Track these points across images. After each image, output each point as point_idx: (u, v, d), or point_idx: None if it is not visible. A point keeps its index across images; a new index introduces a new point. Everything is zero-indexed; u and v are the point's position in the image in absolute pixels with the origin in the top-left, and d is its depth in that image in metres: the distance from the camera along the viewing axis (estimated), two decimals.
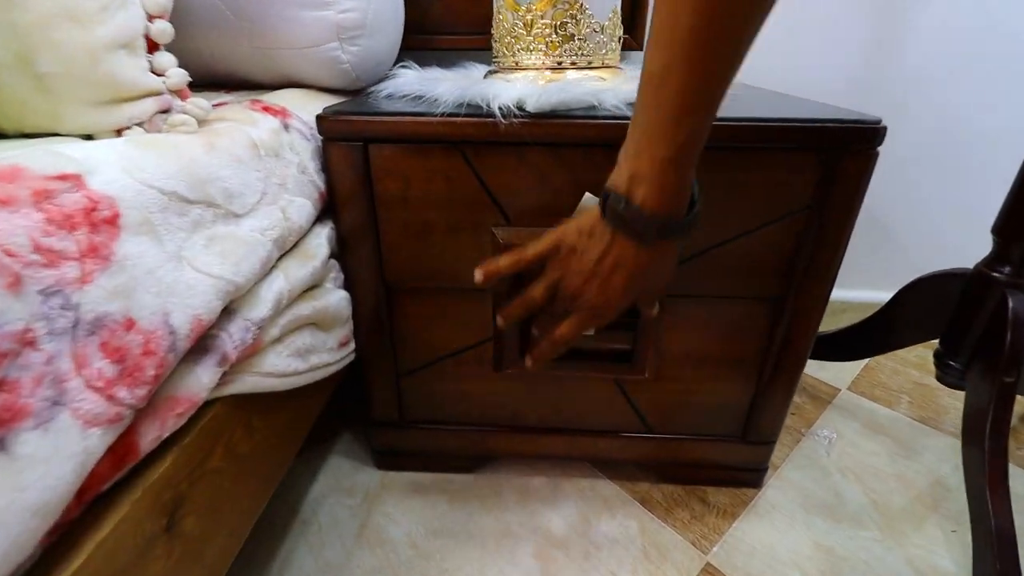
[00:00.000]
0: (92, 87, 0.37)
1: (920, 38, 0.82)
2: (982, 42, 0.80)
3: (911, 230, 0.94)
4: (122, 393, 0.27)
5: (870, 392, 0.88)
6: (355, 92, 0.65)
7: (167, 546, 0.33)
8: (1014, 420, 0.83)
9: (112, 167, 0.31)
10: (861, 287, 0.99)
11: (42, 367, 0.24)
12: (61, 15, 0.35)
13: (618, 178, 0.38)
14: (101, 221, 0.29)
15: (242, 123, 0.44)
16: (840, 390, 0.89)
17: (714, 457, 0.67)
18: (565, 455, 0.69)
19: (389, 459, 0.71)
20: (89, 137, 0.39)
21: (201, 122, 0.42)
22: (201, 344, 0.35)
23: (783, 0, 0.31)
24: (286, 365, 0.44)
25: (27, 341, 0.24)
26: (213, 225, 0.37)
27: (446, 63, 0.68)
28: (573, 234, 0.42)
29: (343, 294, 0.55)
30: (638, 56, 0.80)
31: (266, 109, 0.49)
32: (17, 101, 0.36)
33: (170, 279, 0.32)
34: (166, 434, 0.32)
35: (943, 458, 0.75)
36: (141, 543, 0.31)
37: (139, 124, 0.39)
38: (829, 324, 0.87)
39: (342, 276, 0.56)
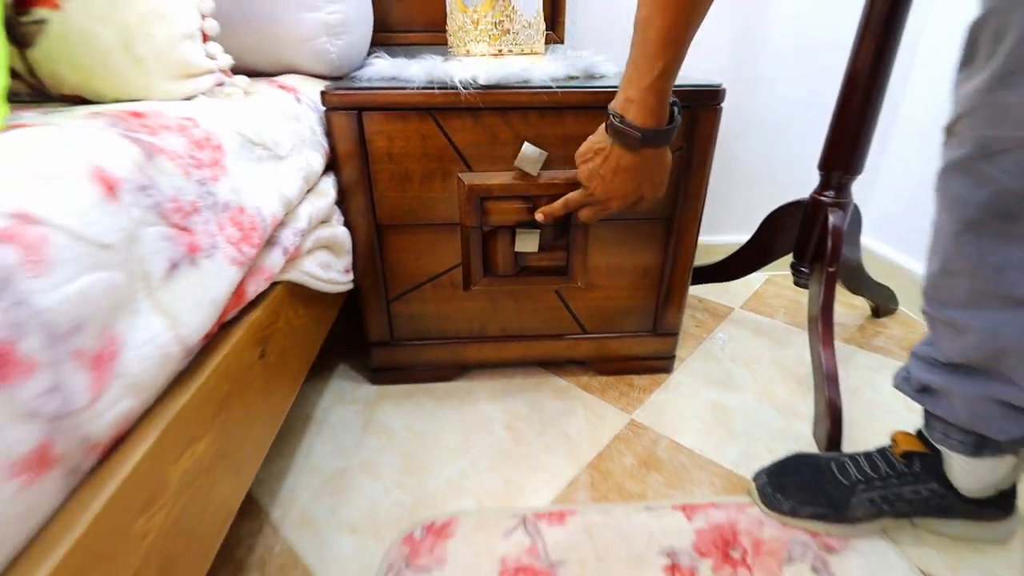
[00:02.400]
0: (172, 66, 0.52)
1: (772, 30, 1.07)
2: (809, 32, 1.06)
3: (765, 178, 1.19)
4: (244, 248, 0.43)
5: (756, 308, 1.13)
6: (338, 78, 0.81)
7: (261, 369, 0.48)
8: (862, 319, 1.10)
9: (208, 116, 0.47)
10: (733, 232, 1.24)
11: (203, 224, 0.40)
12: (153, 14, 0.49)
13: (617, 102, 0.57)
14: (213, 146, 0.44)
15: (271, 96, 0.60)
16: (734, 308, 1.13)
17: (634, 350, 0.87)
18: (523, 358, 0.88)
19: (383, 375, 0.87)
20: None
21: (244, 94, 0.58)
22: (273, 238, 0.51)
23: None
24: (315, 271, 0.60)
25: (195, 208, 0.40)
26: (268, 162, 0.53)
27: (407, 55, 0.85)
28: (588, 151, 0.61)
29: (345, 229, 0.71)
30: (560, 48, 1.00)
31: (281, 87, 0.65)
32: (120, 76, 0.50)
33: (255, 188, 0.48)
34: (259, 290, 0.48)
35: (806, 348, 1.00)
36: (246, 363, 0.46)
37: (203, 93, 0.54)
38: (712, 258, 1.11)
39: (343, 217, 0.72)
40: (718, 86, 0.69)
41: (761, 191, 1.17)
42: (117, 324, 0.31)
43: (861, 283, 1.01)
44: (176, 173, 0.38)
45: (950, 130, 0.47)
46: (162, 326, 0.35)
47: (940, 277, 0.53)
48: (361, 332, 0.83)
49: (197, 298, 0.38)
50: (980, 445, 0.55)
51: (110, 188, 0.32)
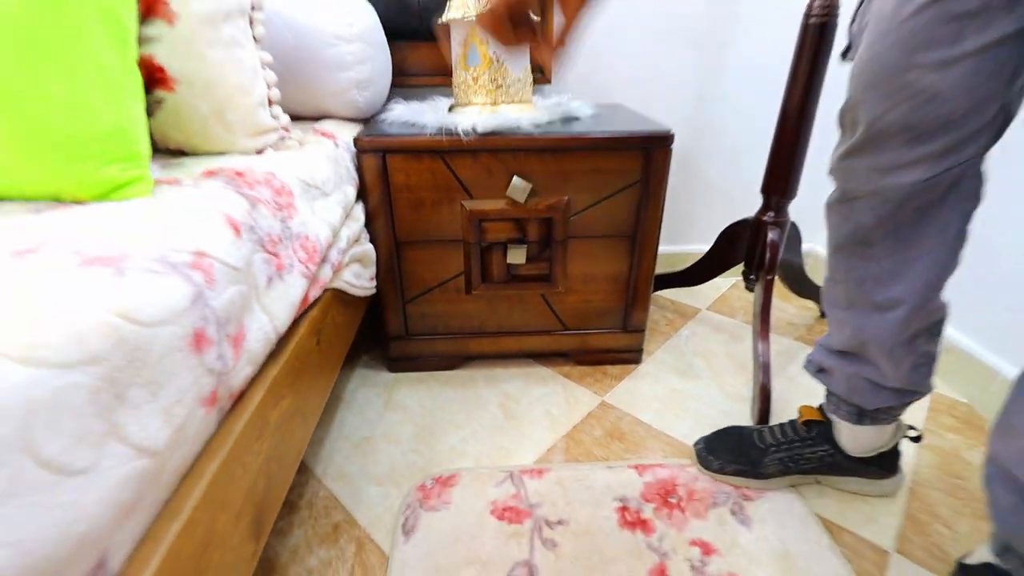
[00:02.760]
0: (250, 127, 0.69)
1: (727, 72, 1.24)
2: (755, 77, 1.23)
3: (724, 198, 1.36)
4: (309, 265, 0.61)
5: (720, 309, 1.30)
6: (365, 120, 0.98)
7: (317, 352, 0.66)
8: (812, 320, 1.26)
9: (281, 168, 0.64)
10: (694, 242, 1.41)
11: (285, 251, 0.58)
12: (237, 89, 0.67)
13: None
14: (287, 193, 0.62)
15: (318, 144, 0.78)
16: (701, 309, 1.30)
17: (607, 344, 1.05)
18: (516, 350, 1.06)
19: (399, 363, 1.05)
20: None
21: (299, 144, 0.76)
22: (325, 256, 0.69)
23: (647, 47, 0.68)
24: (351, 280, 0.78)
25: (280, 239, 0.57)
26: (319, 199, 0.70)
27: (421, 97, 1.03)
28: None
29: (371, 246, 0.89)
30: (548, 89, 1.18)
31: (323, 134, 0.83)
32: (213, 136, 0.68)
33: (313, 220, 0.66)
34: (316, 296, 0.66)
35: None
36: (308, 348, 0.64)
37: (270, 147, 0.72)
38: (679, 266, 1.28)
39: (368, 236, 0.90)
40: (667, 132, 0.87)
41: (722, 209, 1.34)
42: (244, 318, 0.49)
43: (803, 286, 1.18)
44: (268, 216, 0.56)
45: (831, 176, 0.65)
46: (265, 320, 0.52)
47: (828, 284, 0.70)
48: (381, 328, 1.01)
49: (283, 301, 0.56)
50: (860, 414, 0.72)
51: (236, 230, 0.50)
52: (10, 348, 0.28)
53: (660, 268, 1.32)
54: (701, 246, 1.33)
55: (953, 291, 0.63)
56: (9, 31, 0.46)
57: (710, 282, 1.29)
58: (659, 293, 1.36)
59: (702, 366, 1.09)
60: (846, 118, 0.61)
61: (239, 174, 0.58)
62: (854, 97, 0.58)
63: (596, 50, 1.18)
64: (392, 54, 1.05)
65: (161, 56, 0.63)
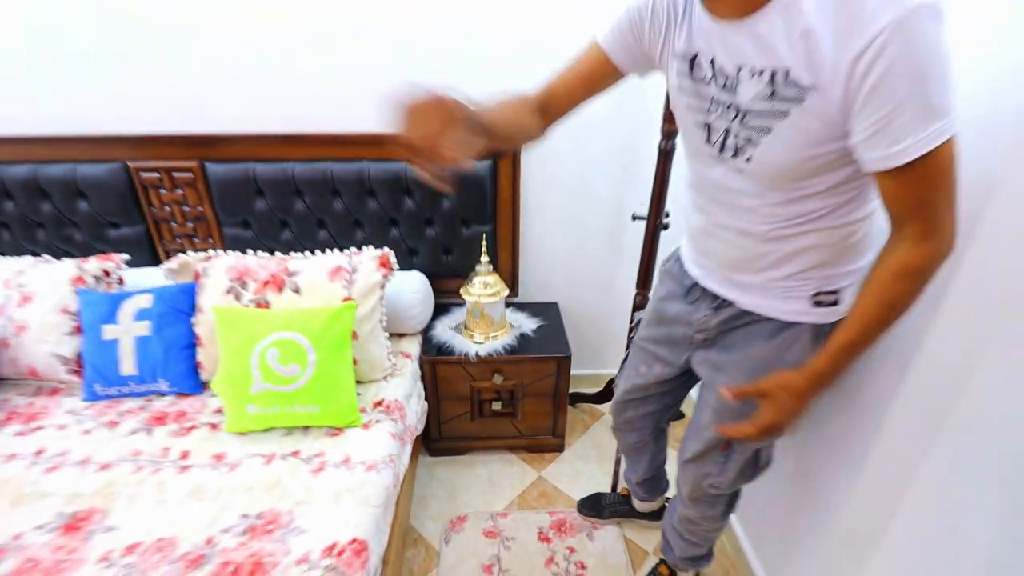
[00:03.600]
0: (381, 370, 1.63)
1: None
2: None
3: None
4: (410, 430, 1.56)
5: None
6: (422, 331, 1.92)
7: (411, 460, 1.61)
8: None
9: (397, 392, 1.59)
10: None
11: (405, 433, 1.53)
12: (379, 354, 1.61)
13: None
14: (399, 407, 1.57)
15: (403, 363, 1.73)
16: (604, 413, 2.25)
17: (544, 442, 2.00)
18: (495, 447, 2.00)
19: (436, 452, 1.99)
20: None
21: (395, 366, 1.71)
22: (407, 418, 1.64)
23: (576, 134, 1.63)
24: (418, 422, 1.73)
25: (403, 431, 1.52)
26: (412, 397, 1.65)
27: (449, 311, 1.97)
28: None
29: (426, 403, 1.83)
30: (517, 301, 2.13)
31: (404, 355, 1.77)
32: (367, 376, 1.62)
33: (409, 411, 1.61)
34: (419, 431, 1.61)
35: None
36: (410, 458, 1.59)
37: (389, 374, 1.66)
38: (596, 387, 2.23)
39: (424, 395, 1.84)
40: (568, 355, 1.82)
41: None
42: (403, 454, 1.44)
43: None
44: (399, 422, 1.51)
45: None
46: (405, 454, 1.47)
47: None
48: (427, 436, 1.95)
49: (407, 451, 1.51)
50: (640, 497, 1.66)
51: (392, 436, 1.44)
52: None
53: (584, 387, 2.26)
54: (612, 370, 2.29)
55: None
56: (329, 342, 1.40)
57: None
58: (581, 404, 2.31)
59: (594, 455, 2.04)
60: (661, 267, 1.56)
61: (387, 406, 1.52)
62: None
63: (538, 258, 2.12)
64: (432, 285, 1.98)
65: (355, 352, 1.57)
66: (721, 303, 1.03)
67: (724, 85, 0.80)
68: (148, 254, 1.90)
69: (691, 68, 0.84)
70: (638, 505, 1.69)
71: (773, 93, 0.73)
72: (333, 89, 1.71)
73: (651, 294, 1.33)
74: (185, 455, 1.36)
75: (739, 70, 0.76)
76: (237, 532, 1.15)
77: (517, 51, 1.66)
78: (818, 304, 0.93)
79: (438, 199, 1.84)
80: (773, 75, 0.72)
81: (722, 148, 0.85)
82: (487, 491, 1.87)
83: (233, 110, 1.73)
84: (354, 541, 1.14)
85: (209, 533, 1.15)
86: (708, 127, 0.85)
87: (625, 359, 1.37)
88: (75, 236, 1.86)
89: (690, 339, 1.12)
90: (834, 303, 0.93)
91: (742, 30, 0.73)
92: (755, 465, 1.16)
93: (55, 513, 1.20)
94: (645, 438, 1.43)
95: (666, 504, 1.66)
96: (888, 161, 0.68)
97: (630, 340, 1.44)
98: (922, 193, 0.70)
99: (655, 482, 1.59)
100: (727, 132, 0.82)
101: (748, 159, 0.81)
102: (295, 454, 1.36)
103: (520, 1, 1.62)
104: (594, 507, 1.75)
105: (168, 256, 1.87)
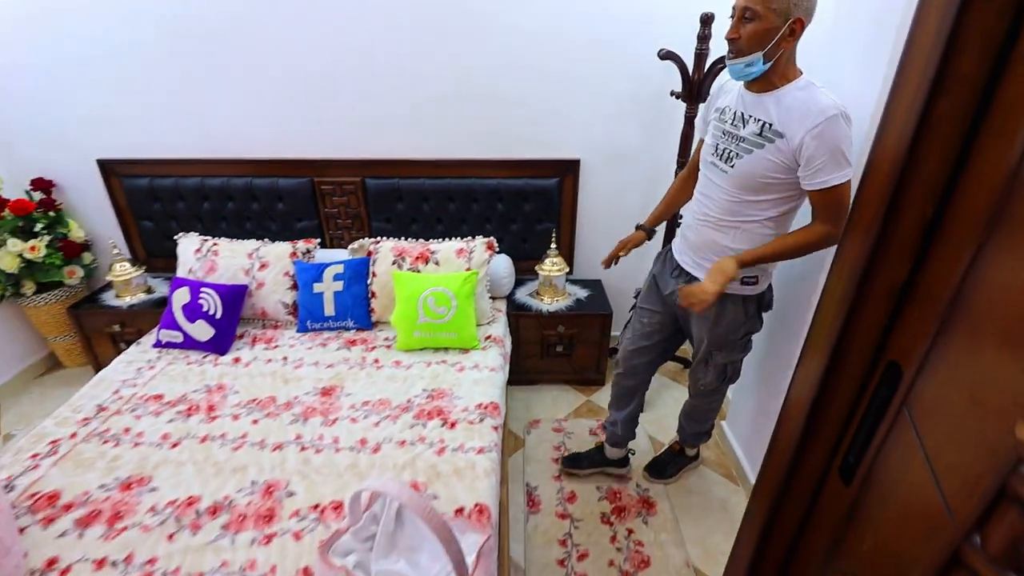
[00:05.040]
0: (486, 316, 2.46)
1: None
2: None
3: None
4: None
5: None
6: (506, 296, 2.74)
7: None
8: (679, 368, 3.03)
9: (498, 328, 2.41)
10: None
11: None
12: (486, 304, 2.44)
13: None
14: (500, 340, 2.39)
15: (502, 315, 2.55)
16: None
17: (590, 377, 2.80)
18: (559, 379, 2.81)
19: (517, 382, 2.81)
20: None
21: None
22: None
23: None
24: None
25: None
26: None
27: (525, 282, 2.79)
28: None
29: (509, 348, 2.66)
30: (574, 285, 2.95)
31: (496, 310, 2.60)
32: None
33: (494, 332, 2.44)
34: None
35: None
36: None
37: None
38: None
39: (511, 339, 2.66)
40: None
41: None
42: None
43: None
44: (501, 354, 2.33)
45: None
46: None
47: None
48: (517, 367, 2.77)
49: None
50: (614, 441, 2.41)
51: (503, 358, 2.26)
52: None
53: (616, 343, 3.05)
54: None
55: None
56: (462, 295, 2.23)
57: None
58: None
59: None
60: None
61: (494, 339, 2.34)
62: None
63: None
64: (513, 264, 2.80)
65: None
66: (691, 278, 1.65)
67: (735, 124, 1.46)
68: (319, 239, 2.77)
69: (721, 114, 1.53)
70: (609, 452, 2.15)
71: (760, 133, 1.38)
72: (454, 130, 2.56)
73: (650, 270, 1.92)
74: (376, 361, 2.20)
75: (749, 118, 1.42)
76: (423, 397, 1.98)
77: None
78: (744, 284, 1.57)
79: (521, 205, 2.67)
80: (764, 124, 1.38)
81: (720, 157, 1.51)
82: (551, 407, 2.67)
83: (387, 143, 2.59)
84: (492, 402, 1.96)
85: (408, 396, 1.98)
86: (717, 145, 1.51)
87: (627, 324, 2.00)
88: (271, 227, 2.74)
89: (674, 300, 1.73)
90: (755, 283, 1.58)
91: (758, 99, 1.39)
92: (725, 373, 1.80)
93: (311, 388, 2.05)
94: (639, 383, 2.01)
95: (629, 455, 2.22)
96: (818, 186, 1.32)
97: (632, 308, 2.00)
98: (830, 203, 1.34)
99: (631, 424, 2.10)
100: (727, 149, 1.48)
101: (732, 166, 1.46)
102: (443, 362, 2.19)
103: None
104: (575, 463, 2.22)
105: (332, 241, 2.73)
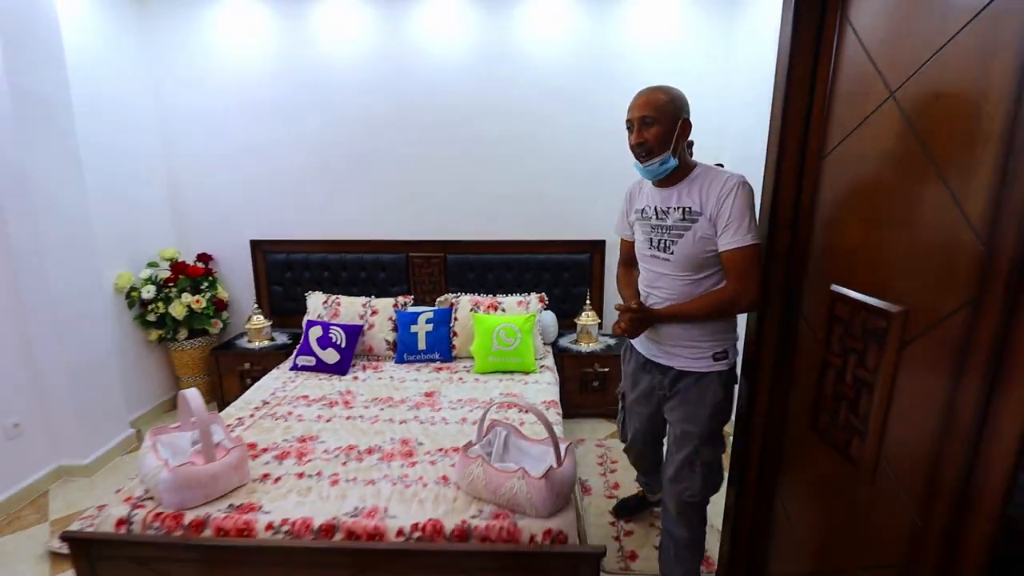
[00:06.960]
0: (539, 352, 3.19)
1: None
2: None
3: None
4: None
5: None
6: (550, 345, 3.49)
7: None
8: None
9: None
10: None
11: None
12: (536, 338, 3.18)
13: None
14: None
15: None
16: None
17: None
18: (594, 413, 3.44)
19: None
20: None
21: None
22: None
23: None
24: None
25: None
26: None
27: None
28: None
29: None
30: (604, 335, 3.73)
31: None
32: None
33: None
34: None
35: None
36: None
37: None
38: None
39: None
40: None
41: None
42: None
43: None
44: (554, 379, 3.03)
45: None
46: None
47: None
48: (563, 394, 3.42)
49: None
50: (649, 489, 2.94)
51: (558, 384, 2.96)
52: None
53: None
54: None
55: None
56: (525, 331, 2.98)
57: None
58: None
59: None
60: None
61: (545, 367, 3.06)
62: None
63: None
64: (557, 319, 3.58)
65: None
66: (666, 368, 1.64)
67: (660, 218, 1.57)
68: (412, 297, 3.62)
69: (642, 214, 1.64)
70: (650, 497, 2.33)
71: (684, 218, 1.51)
72: (512, 217, 3.53)
73: (622, 366, 1.96)
74: (461, 379, 2.92)
75: (668, 209, 1.55)
76: (500, 397, 2.67)
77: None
78: (716, 359, 1.57)
79: (561, 273, 3.54)
80: (683, 209, 1.51)
81: (658, 248, 1.58)
82: (591, 432, 3.27)
83: (464, 227, 3.56)
84: (553, 399, 2.65)
85: (489, 397, 2.67)
86: (651, 239, 1.60)
87: (622, 419, 2.05)
88: (372, 292, 3.60)
89: (656, 395, 1.74)
90: (725, 357, 1.58)
91: (670, 192, 1.55)
92: (709, 476, 1.65)
93: (417, 392, 2.75)
94: (650, 457, 2.11)
95: None
96: (725, 246, 1.45)
97: (621, 404, 2.06)
98: (737, 264, 1.45)
99: (657, 475, 2.16)
100: (661, 240, 1.56)
101: (671, 252, 1.54)
102: (511, 379, 2.90)
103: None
104: (626, 511, 2.40)
105: (415, 302, 3.58)
